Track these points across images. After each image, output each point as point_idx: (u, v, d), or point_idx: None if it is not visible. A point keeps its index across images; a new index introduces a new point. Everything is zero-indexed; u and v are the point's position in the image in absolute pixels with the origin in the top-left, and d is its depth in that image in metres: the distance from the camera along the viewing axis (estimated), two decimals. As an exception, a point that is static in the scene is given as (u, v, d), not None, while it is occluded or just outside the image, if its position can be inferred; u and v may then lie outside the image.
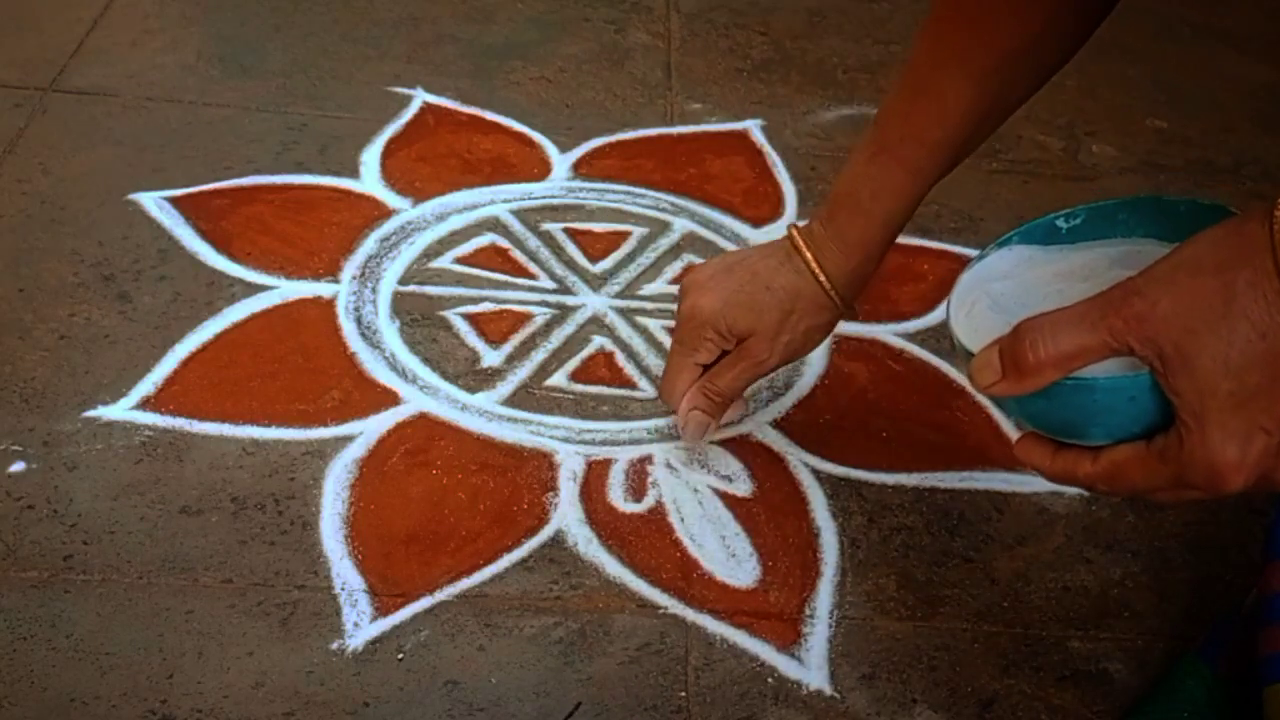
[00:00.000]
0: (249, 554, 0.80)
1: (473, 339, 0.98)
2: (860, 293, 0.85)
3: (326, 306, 0.99)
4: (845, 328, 1.02)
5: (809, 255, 0.83)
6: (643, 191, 1.15)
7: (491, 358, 0.96)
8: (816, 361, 0.99)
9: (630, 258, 1.07)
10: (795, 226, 0.85)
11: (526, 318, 1.00)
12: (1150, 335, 0.55)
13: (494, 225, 1.09)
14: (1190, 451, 0.56)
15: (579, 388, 0.95)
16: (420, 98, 1.23)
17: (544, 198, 1.13)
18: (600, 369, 0.96)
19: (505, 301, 1.01)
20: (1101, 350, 0.57)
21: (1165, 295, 0.55)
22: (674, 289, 1.04)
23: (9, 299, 0.96)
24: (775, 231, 1.11)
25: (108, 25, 1.28)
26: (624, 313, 1.01)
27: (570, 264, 1.06)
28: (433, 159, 1.16)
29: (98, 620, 0.76)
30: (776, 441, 0.92)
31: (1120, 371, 0.57)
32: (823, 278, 0.83)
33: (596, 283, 1.04)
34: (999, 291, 0.65)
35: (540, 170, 1.16)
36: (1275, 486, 0.57)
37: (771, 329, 0.84)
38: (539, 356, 0.97)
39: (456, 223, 1.09)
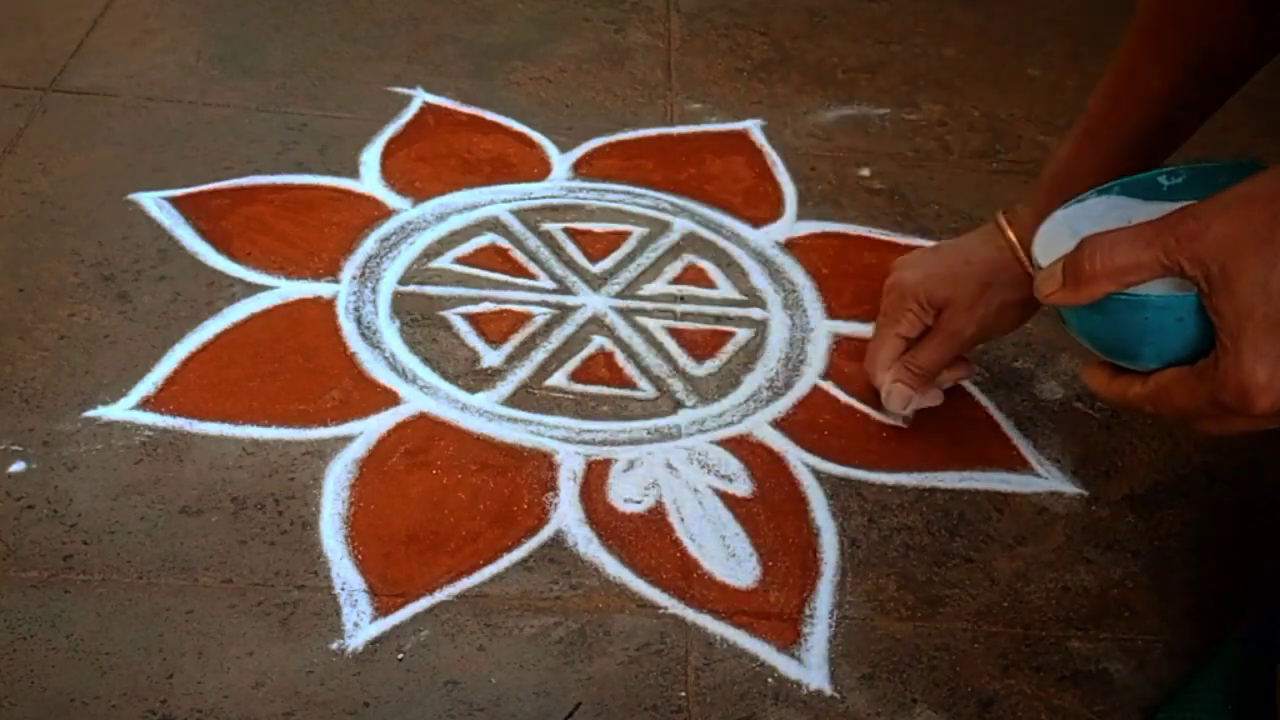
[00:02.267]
0: (249, 554, 0.80)
1: (473, 339, 0.98)
2: None
3: (326, 306, 0.99)
4: (845, 327, 1.02)
5: (1010, 233, 0.86)
6: (643, 191, 1.15)
7: (491, 358, 0.96)
8: (816, 361, 0.99)
9: (630, 258, 1.07)
10: (1003, 210, 0.88)
11: (526, 318, 1.00)
12: (1199, 255, 0.58)
13: (494, 225, 1.09)
14: (1224, 371, 0.59)
15: (579, 388, 0.95)
16: (420, 98, 1.23)
17: (544, 198, 1.13)
18: (600, 369, 0.96)
19: (505, 301, 1.01)
20: (1154, 267, 0.60)
21: (1218, 219, 0.59)
22: (674, 289, 1.04)
23: (9, 299, 0.96)
24: (775, 232, 1.11)
25: (108, 25, 1.28)
26: (624, 313, 1.02)
27: (570, 264, 1.06)
28: (433, 159, 1.16)
29: (98, 620, 0.76)
30: (776, 441, 0.92)
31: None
32: (1021, 254, 0.85)
33: (596, 283, 1.04)
34: (1085, 230, 0.66)
35: (540, 170, 1.16)
36: None
37: (968, 300, 0.87)
38: (539, 356, 0.97)
39: (456, 223, 1.09)
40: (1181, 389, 0.62)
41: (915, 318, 0.90)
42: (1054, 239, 0.69)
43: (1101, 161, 0.82)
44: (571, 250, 1.07)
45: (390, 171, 1.13)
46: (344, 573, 0.80)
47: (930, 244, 1.03)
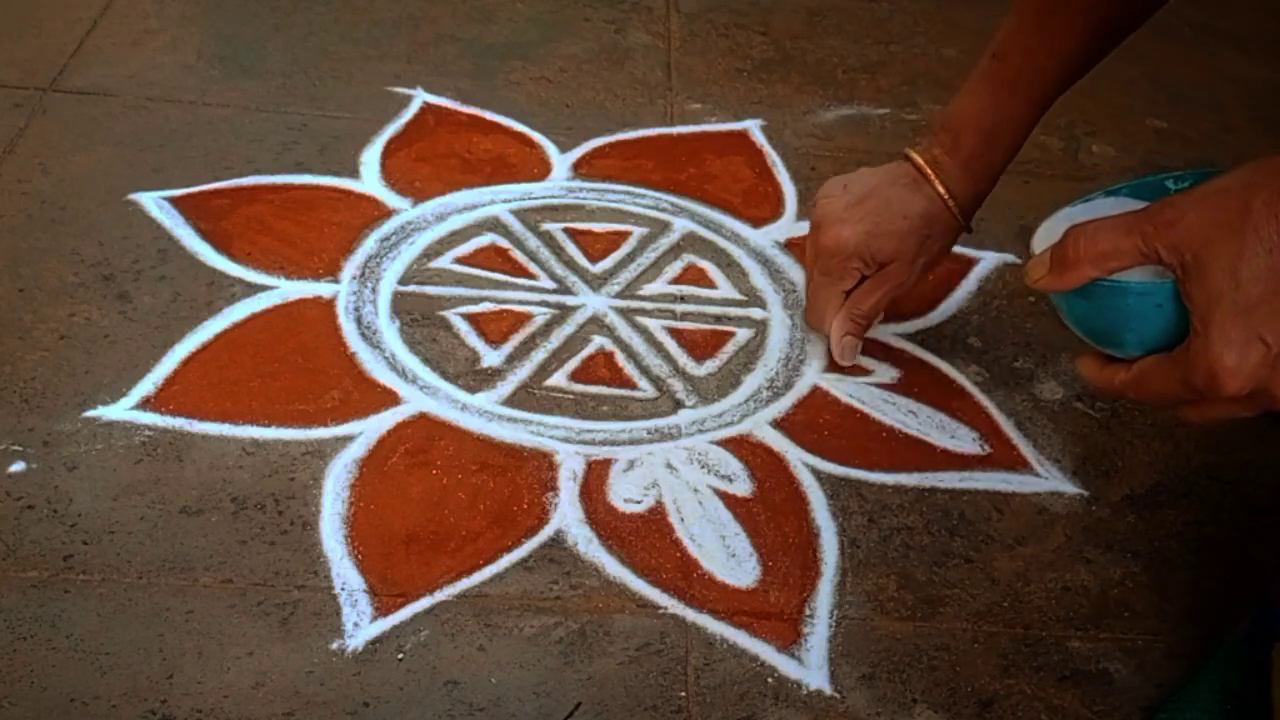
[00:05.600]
0: (249, 554, 0.80)
1: (473, 339, 0.98)
2: (975, 211, 0.94)
3: (326, 306, 0.99)
4: (845, 328, 1.02)
5: (939, 184, 0.91)
6: (643, 191, 1.15)
7: (491, 358, 0.96)
8: (816, 361, 0.99)
9: (630, 258, 1.07)
10: (915, 153, 0.92)
11: (526, 318, 1.00)
12: (1175, 243, 0.60)
13: (494, 225, 1.09)
14: (1195, 354, 0.60)
15: (579, 388, 0.95)
16: (420, 98, 1.23)
17: (544, 198, 1.13)
18: (600, 369, 0.96)
19: (505, 301, 1.01)
20: (1133, 254, 0.62)
21: (1193, 209, 0.60)
22: (674, 289, 1.04)
23: (9, 299, 0.96)
24: (775, 232, 1.11)
25: (108, 25, 1.28)
26: (624, 313, 1.02)
27: (570, 264, 1.06)
28: (433, 159, 1.16)
29: (98, 620, 0.76)
30: (776, 441, 0.92)
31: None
32: (952, 204, 0.91)
33: (596, 283, 1.04)
34: None
35: (540, 170, 1.16)
36: (1272, 401, 0.60)
37: (911, 254, 0.92)
38: (539, 356, 0.97)
39: (456, 223, 1.09)
40: (1159, 374, 0.63)
41: (857, 274, 0.94)
42: (1054, 233, 0.70)
43: (1022, 111, 0.88)
44: (571, 250, 1.07)
45: (390, 171, 1.13)
46: (344, 573, 0.80)
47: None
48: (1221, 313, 0.59)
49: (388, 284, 1.01)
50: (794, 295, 1.05)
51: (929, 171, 0.91)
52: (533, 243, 1.07)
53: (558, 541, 0.83)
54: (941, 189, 0.91)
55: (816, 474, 0.90)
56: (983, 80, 0.89)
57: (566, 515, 0.85)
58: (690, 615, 0.80)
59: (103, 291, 0.98)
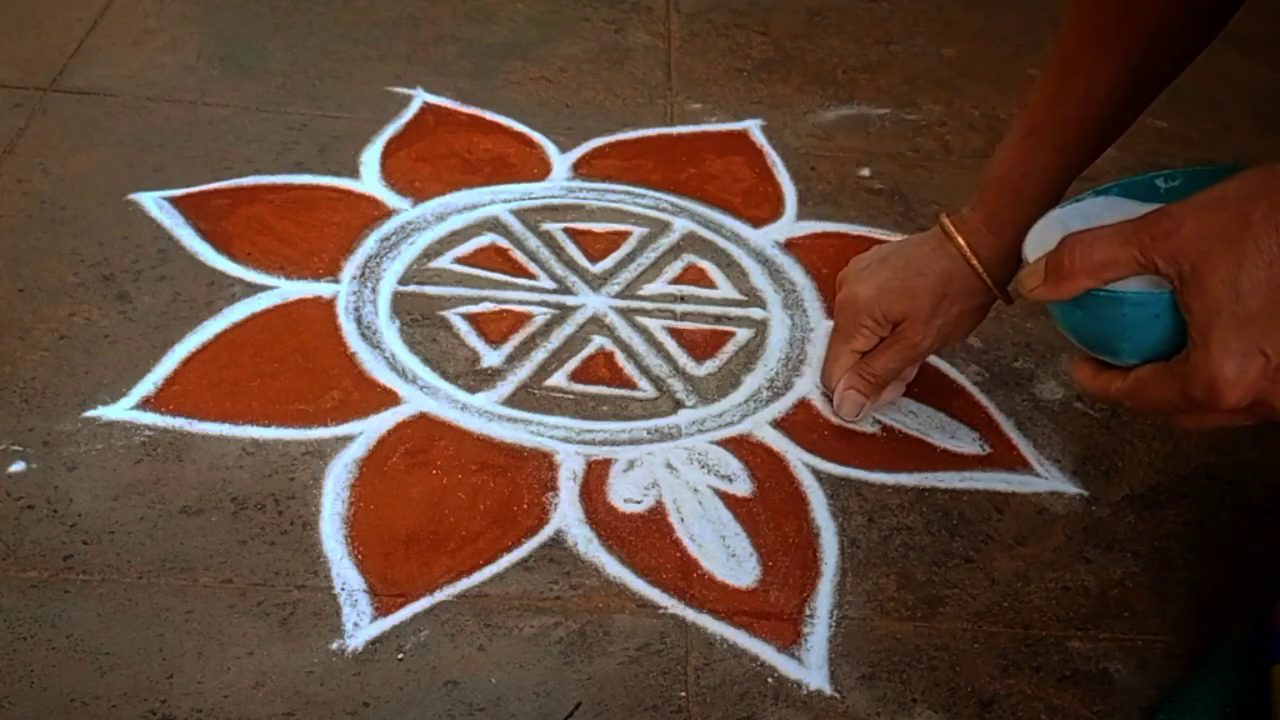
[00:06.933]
0: (249, 554, 0.80)
1: (473, 339, 0.98)
2: (1013, 275, 0.86)
3: (326, 306, 0.99)
4: (845, 328, 1.02)
5: (960, 240, 0.86)
6: (643, 191, 1.15)
7: (491, 358, 0.96)
8: (817, 362, 0.99)
9: (630, 258, 1.07)
10: (946, 214, 0.88)
11: (526, 318, 1.00)
12: (1172, 253, 0.60)
13: (494, 225, 1.09)
14: (1194, 365, 0.60)
15: (579, 388, 0.95)
16: (420, 98, 1.23)
17: (544, 198, 1.13)
18: (600, 369, 0.96)
19: (505, 301, 1.01)
20: (1130, 264, 0.61)
21: (1190, 219, 0.60)
22: (674, 289, 1.04)
23: (9, 299, 0.96)
24: (775, 232, 1.11)
25: (108, 25, 1.28)
26: (624, 313, 1.02)
27: (570, 264, 1.06)
28: (433, 159, 1.16)
29: (98, 620, 0.76)
30: (776, 441, 0.92)
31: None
32: (974, 260, 0.86)
33: (596, 283, 1.04)
34: (1077, 229, 0.67)
35: (540, 170, 1.16)
36: (1271, 413, 0.60)
37: (925, 313, 0.87)
38: (539, 356, 0.97)
39: (456, 223, 1.09)
40: (1157, 384, 0.63)
41: (871, 333, 0.89)
42: (1046, 236, 0.69)
43: (1048, 160, 0.83)
44: (571, 250, 1.07)
45: (390, 171, 1.13)
46: (344, 573, 0.80)
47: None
48: (1221, 325, 0.59)
49: (388, 284, 1.01)
50: (794, 295, 1.05)
51: (951, 229, 0.86)
52: (533, 243, 1.07)
53: (558, 541, 0.83)
54: (964, 245, 0.86)
55: (816, 474, 0.90)
56: (1012, 131, 0.85)
57: (566, 515, 0.85)
58: (690, 615, 0.80)
59: (103, 291, 0.98)
